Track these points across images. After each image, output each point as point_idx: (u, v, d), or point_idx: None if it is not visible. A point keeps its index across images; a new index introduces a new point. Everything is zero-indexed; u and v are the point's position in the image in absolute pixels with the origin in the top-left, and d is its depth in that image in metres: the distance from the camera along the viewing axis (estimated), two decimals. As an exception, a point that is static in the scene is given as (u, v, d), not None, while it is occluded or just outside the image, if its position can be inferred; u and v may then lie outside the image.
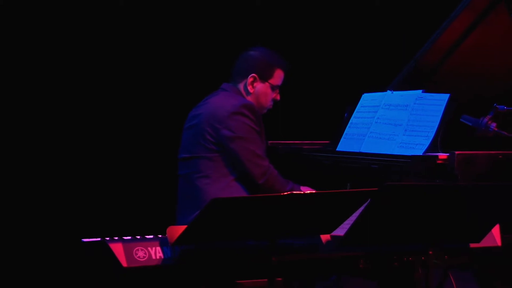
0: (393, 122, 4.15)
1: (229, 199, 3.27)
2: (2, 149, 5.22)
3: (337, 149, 4.32)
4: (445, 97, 4.02)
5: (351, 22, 5.91)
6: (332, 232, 3.48)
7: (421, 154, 3.91)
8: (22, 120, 5.26)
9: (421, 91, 4.17)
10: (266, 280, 3.35)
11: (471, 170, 3.72)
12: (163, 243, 3.54)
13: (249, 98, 4.08)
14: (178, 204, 4.04)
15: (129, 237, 3.51)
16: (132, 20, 5.44)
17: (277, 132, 4.59)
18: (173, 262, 3.55)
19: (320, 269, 3.73)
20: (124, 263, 3.45)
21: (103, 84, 5.42)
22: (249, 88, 4.08)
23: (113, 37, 5.40)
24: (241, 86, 4.09)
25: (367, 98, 4.40)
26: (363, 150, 4.18)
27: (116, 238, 3.49)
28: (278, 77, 4.11)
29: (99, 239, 3.50)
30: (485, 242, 3.45)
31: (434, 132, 3.95)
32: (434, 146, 3.92)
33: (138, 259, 3.47)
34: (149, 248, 3.51)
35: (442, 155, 3.78)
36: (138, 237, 3.53)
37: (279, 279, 3.44)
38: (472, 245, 3.51)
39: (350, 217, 3.33)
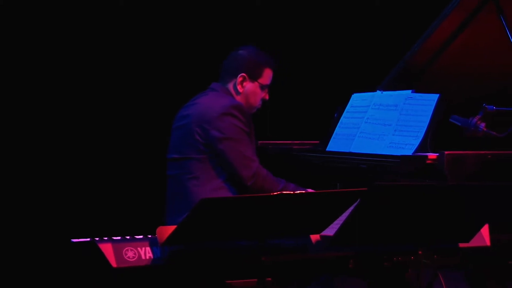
0: (383, 122, 4.15)
1: (218, 199, 3.27)
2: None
3: (327, 149, 4.32)
4: (434, 97, 4.03)
5: (340, 23, 5.91)
6: (321, 232, 3.48)
7: (410, 154, 3.92)
8: (8, 121, 5.25)
9: (410, 91, 4.18)
10: (256, 280, 3.35)
11: (460, 170, 3.73)
12: (153, 244, 3.53)
13: (238, 97, 4.08)
14: (167, 205, 4.03)
15: (119, 237, 3.50)
16: (132, 20, 5.43)
17: (266, 132, 4.60)
18: (162, 262, 3.54)
19: (309, 269, 3.73)
20: (114, 264, 3.44)
21: (91, 83, 5.41)
22: (239, 87, 4.07)
23: (112, 37, 5.39)
24: (230, 86, 4.09)
25: (357, 98, 4.40)
26: (353, 150, 4.18)
27: (106, 238, 3.48)
28: (267, 76, 4.11)
29: (88, 239, 3.49)
30: (474, 242, 3.46)
31: (423, 132, 3.96)
32: (423, 146, 3.93)
33: (128, 259, 3.47)
34: (138, 249, 3.51)
35: (432, 155, 3.78)
36: (128, 237, 3.52)
37: (269, 279, 3.44)
38: (462, 245, 3.51)
39: (340, 217, 3.33)
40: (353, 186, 3.48)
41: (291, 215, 3.27)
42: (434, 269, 3.65)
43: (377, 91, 4.36)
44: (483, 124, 3.97)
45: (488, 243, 3.56)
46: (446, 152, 3.72)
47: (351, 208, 3.23)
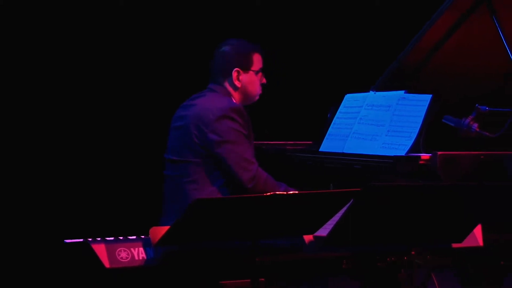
0: (376, 123, 4.16)
1: (212, 200, 3.27)
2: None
3: (320, 150, 4.33)
4: (427, 97, 4.03)
5: (334, 24, 5.91)
6: (315, 232, 3.48)
7: (403, 154, 3.92)
8: (2, 120, 5.24)
9: (403, 91, 4.18)
10: (249, 280, 3.35)
11: (453, 171, 3.74)
12: (146, 244, 3.53)
13: (238, 93, 4.07)
14: (163, 205, 4.03)
15: (112, 238, 3.50)
16: (132, 20, 5.43)
17: (260, 133, 4.59)
18: (156, 263, 3.54)
19: (303, 270, 3.73)
20: (107, 264, 3.43)
21: (86, 81, 5.40)
22: (236, 83, 4.06)
23: (113, 37, 5.39)
24: (227, 85, 4.08)
25: (350, 99, 4.40)
26: (346, 150, 4.19)
27: (99, 239, 3.48)
28: (257, 61, 4.11)
29: (81, 240, 3.49)
30: (467, 242, 3.47)
31: (416, 133, 3.97)
32: (416, 146, 3.94)
33: (121, 260, 3.46)
34: (132, 249, 3.50)
35: (425, 156, 3.79)
36: (121, 237, 3.52)
37: (262, 279, 3.44)
38: (454, 245, 3.52)
39: (333, 218, 3.33)
40: (346, 186, 3.48)
41: (285, 216, 3.27)
42: (427, 269, 3.66)
43: (370, 91, 4.36)
44: (475, 125, 3.98)
45: (481, 243, 3.57)
46: (439, 153, 3.73)
47: (345, 208, 3.24)
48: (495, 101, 4.11)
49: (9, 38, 5.21)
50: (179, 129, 4.01)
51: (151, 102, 5.46)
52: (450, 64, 4.45)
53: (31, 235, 5.21)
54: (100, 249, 3.43)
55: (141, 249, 3.52)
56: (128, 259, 3.48)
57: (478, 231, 3.56)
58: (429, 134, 3.99)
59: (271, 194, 3.21)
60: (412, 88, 4.21)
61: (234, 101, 4.06)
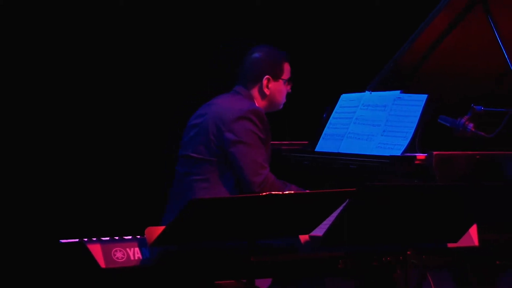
0: (372, 123, 4.16)
1: (207, 200, 3.27)
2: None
3: (315, 149, 4.33)
4: (423, 97, 4.04)
5: (330, 24, 5.92)
6: (310, 232, 3.49)
7: (399, 154, 3.93)
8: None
9: (399, 91, 4.19)
10: (245, 280, 3.35)
11: (449, 170, 3.74)
12: (142, 244, 3.52)
13: (265, 100, 4.08)
14: (169, 201, 4.02)
15: (107, 238, 3.49)
16: (132, 20, 5.43)
17: (285, 136, 4.60)
18: (151, 263, 3.53)
19: (299, 269, 3.73)
20: (102, 264, 3.43)
21: (82, 80, 5.40)
22: (265, 90, 4.08)
23: (113, 37, 5.39)
24: (255, 91, 4.08)
25: (345, 99, 4.41)
26: (341, 150, 4.19)
27: (94, 239, 3.47)
28: (287, 70, 4.14)
29: (77, 240, 3.48)
30: (462, 242, 3.47)
31: (412, 133, 3.97)
32: (412, 146, 3.94)
33: (117, 260, 3.46)
34: (127, 249, 3.50)
35: (420, 156, 3.79)
36: (117, 238, 3.52)
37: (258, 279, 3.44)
38: (450, 245, 3.52)
39: (329, 218, 3.33)
40: (342, 186, 3.48)
41: (281, 216, 3.27)
42: (422, 269, 3.66)
43: (366, 91, 4.37)
44: (471, 125, 3.99)
45: (476, 243, 3.57)
46: (434, 153, 3.73)
47: (340, 208, 3.24)
48: (490, 101, 4.11)
49: (9, 38, 5.20)
50: (197, 126, 4.01)
51: (147, 102, 5.46)
52: (445, 64, 4.45)
53: (27, 235, 5.20)
54: (95, 249, 3.43)
55: (136, 249, 3.51)
56: (123, 259, 3.47)
57: (473, 231, 3.57)
58: (425, 134, 3.99)
59: (267, 194, 3.21)
60: (408, 88, 4.22)
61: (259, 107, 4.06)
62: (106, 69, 5.43)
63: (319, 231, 3.40)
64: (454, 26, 4.34)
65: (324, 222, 3.36)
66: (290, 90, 4.17)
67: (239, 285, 3.50)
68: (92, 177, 5.39)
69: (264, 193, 3.24)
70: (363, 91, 4.38)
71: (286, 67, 4.14)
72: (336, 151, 4.20)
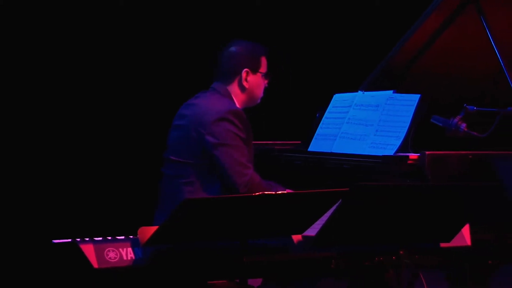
0: (364, 123, 4.16)
1: (200, 200, 3.27)
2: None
3: (308, 149, 4.33)
4: (415, 97, 4.04)
5: (322, 23, 5.92)
6: (303, 232, 3.49)
7: (392, 154, 3.93)
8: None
9: (392, 91, 4.19)
10: (237, 280, 3.35)
11: (441, 170, 3.74)
12: (135, 244, 3.52)
13: (244, 94, 4.05)
14: (159, 203, 4.02)
15: (100, 238, 3.49)
16: (132, 20, 5.43)
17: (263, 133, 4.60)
18: (144, 263, 3.53)
19: (291, 269, 3.73)
20: (95, 264, 3.43)
21: (79, 80, 5.40)
22: (244, 83, 4.04)
23: (113, 37, 5.38)
24: (234, 86, 4.05)
25: (338, 99, 4.41)
26: (334, 150, 4.19)
27: (87, 239, 3.47)
28: (264, 64, 4.11)
29: (69, 240, 3.48)
30: (455, 242, 3.48)
31: (405, 133, 3.97)
32: (405, 146, 3.94)
33: (109, 260, 3.46)
34: (120, 249, 3.49)
35: (413, 155, 3.80)
36: (109, 238, 3.51)
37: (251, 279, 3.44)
38: (443, 244, 3.53)
39: (322, 218, 3.34)
40: (334, 186, 3.48)
41: (273, 216, 3.27)
42: (415, 269, 3.66)
43: (359, 91, 4.37)
44: (464, 125, 3.99)
45: (469, 242, 3.58)
46: (427, 152, 3.73)
47: (333, 208, 3.24)
48: (483, 101, 4.12)
49: (9, 38, 5.20)
50: (179, 129, 3.99)
51: (142, 103, 5.46)
52: (438, 64, 4.46)
53: (20, 235, 5.20)
54: (88, 249, 3.43)
55: (129, 249, 3.51)
56: (116, 259, 3.47)
57: (466, 230, 3.57)
58: (418, 134, 4.00)
59: (259, 194, 3.21)
60: (401, 88, 4.22)
61: (238, 102, 4.04)
62: (97, 69, 5.43)
63: (311, 231, 3.40)
64: (447, 26, 4.34)
65: (317, 222, 3.37)
66: (267, 85, 4.14)
67: (231, 285, 3.50)
68: (85, 177, 5.39)
69: (257, 193, 3.24)
70: (356, 91, 4.38)
71: (264, 61, 4.11)
72: (329, 151, 4.20)
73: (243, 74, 4.04)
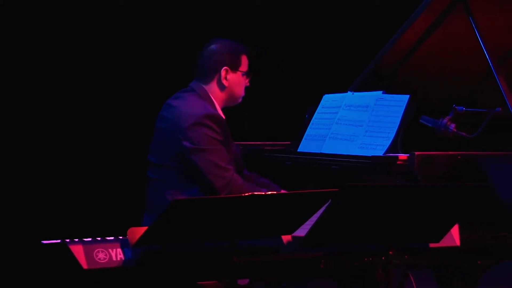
0: (354, 123, 4.17)
1: (189, 200, 3.26)
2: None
3: (298, 150, 4.33)
4: (405, 98, 4.05)
5: (312, 24, 5.93)
6: (293, 232, 3.49)
7: (381, 155, 3.93)
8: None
9: (381, 92, 4.19)
10: (227, 281, 3.35)
11: (430, 171, 3.75)
12: (124, 245, 3.51)
13: (224, 93, 4.04)
14: (146, 205, 4.02)
15: (90, 239, 3.49)
16: (132, 20, 5.42)
17: (238, 133, 4.59)
18: (134, 263, 3.53)
19: (281, 270, 3.73)
20: (85, 265, 3.42)
21: (68, 81, 5.39)
22: (224, 82, 4.02)
23: (113, 37, 5.38)
24: (213, 85, 4.03)
25: (328, 99, 4.41)
26: (324, 151, 4.19)
27: (76, 239, 3.46)
28: (245, 63, 4.09)
29: (59, 240, 3.47)
30: (444, 242, 3.48)
31: (394, 133, 3.98)
32: (394, 147, 3.95)
33: (99, 260, 3.45)
34: (109, 250, 3.49)
35: (402, 156, 3.80)
36: (99, 238, 3.51)
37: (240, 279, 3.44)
38: (432, 245, 3.54)
39: (311, 218, 3.34)
40: (324, 186, 3.49)
41: (263, 216, 3.28)
42: (404, 269, 3.67)
43: (348, 92, 4.37)
44: (453, 125, 4.00)
45: (458, 243, 3.58)
46: (416, 153, 3.74)
47: (323, 208, 3.24)
48: (472, 101, 4.13)
49: (8, 38, 5.19)
50: (159, 132, 3.99)
51: (132, 105, 5.45)
52: (428, 64, 4.47)
53: (8, 236, 5.18)
54: (77, 250, 3.42)
55: (119, 250, 3.50)
56: (106, 260, 3.46)
57: (455, 231, 3.58)
58: (407, 134, 4.00)
59: (249, 195, 3.21)
60: (390, 89, 4.23)
61: (217, 102, 4.03)
62: (85, 70, 5.42)
63: (301, 232, 3.40)
64: (437, 26, 4.35)
65: (307, 223, 3.37)
66: (248, 84, 4.13)
67: (221, 285, 3.50)
68: (74, 178, 5.38)
69: (246, 194, 3.24)
70: (345, 91, 4.39)
71: (244, 60, 4.09)
72: (318, 151, 4.21)
73: (223, 72, 4.03)
